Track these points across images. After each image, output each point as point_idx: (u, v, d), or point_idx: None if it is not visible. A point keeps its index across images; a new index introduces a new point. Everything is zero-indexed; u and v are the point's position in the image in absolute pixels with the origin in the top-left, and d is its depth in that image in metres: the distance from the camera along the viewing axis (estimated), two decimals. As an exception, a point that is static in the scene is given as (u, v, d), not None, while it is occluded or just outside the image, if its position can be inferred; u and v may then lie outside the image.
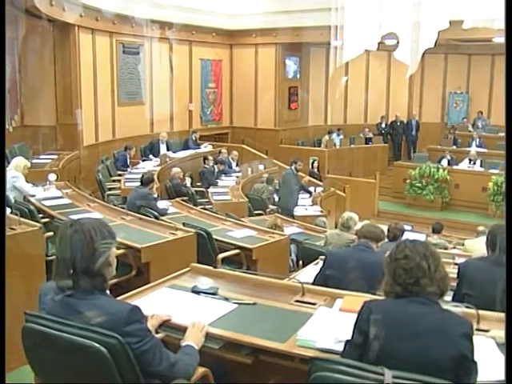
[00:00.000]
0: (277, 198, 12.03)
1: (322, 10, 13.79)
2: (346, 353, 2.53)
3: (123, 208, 7.77)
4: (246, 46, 17.11)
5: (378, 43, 12.81)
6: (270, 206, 11.32)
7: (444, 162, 15.35)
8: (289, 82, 17.41)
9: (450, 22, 11.89)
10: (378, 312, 2.44)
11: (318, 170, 15.43)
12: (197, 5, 15.16)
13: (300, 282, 3.50)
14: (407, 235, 7.02)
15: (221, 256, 6.46)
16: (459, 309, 2.97)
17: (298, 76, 17.79)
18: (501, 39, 14.79)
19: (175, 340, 2.95)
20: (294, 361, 2.83)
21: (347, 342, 2.56)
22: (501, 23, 11.29)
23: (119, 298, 3.31)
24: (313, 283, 4.13)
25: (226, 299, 3.37)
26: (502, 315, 3.33)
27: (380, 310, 2.46)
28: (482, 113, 18.87)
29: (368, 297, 3.02)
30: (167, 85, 15.19)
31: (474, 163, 15.09)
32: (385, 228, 7.06)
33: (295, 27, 15.46)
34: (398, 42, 12.44)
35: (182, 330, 2.95)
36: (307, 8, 14.84)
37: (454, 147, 16.63)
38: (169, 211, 8.26)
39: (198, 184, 12.62)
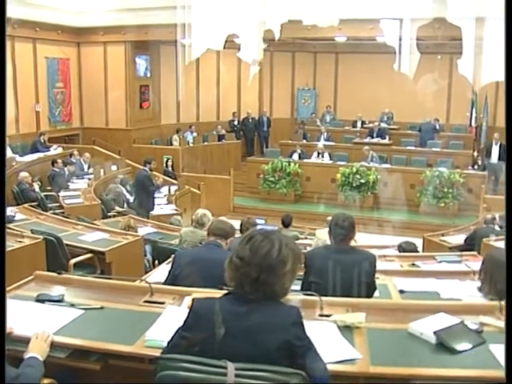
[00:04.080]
0: (131, 199, 11.86)
1: (169, 8, 13.73)
2: (173, 345, 2.50)
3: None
4: (94, 44, 16.64)
5: (227, 41, 12.98)
6: (125, 207, 11.14)
7: (295, 156, 15.87)
8: (139, 81, 17.16)
9: (294, 21, 12.29)
10: (206, 310, 2.41)
11: (173, 169, 15.39)
12: (40, 0, 14.51)
13: (148, 283, 3.48)
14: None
15: (73, 261, 6.29)
16: (298, 297, 3.10)
17: (149, 75, 17.58)
18: (342, 38, 15.59)
19: (19, 353, 2.82)
20: (144, 362, 2.82)
21: (169, 342, 2.53)
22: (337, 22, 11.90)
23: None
24: (164, 283, 4.13)
25: (73, 305, 3.29)
26: (343, 300, 3.54)
27: (208, 309, 2.41)
28: (330, 107, 19.76)
29: (215, 292, 3.05)
30: (10, 85, 14.41)
31: (323, 156, 15.74)
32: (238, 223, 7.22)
33: (143, 25, 15.27)
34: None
35: (26, 341, 2.83)
36: (154, 6, 14.71)
37: (304, 141, 17.28)
38: (15, 218, 7.89)
39: (48, 188, 12.12)
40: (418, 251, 7.45)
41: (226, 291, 2.52)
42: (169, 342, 2.52)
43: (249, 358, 2.27)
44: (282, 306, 2.43)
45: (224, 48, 13.33)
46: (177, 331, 2.50)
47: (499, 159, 14.47)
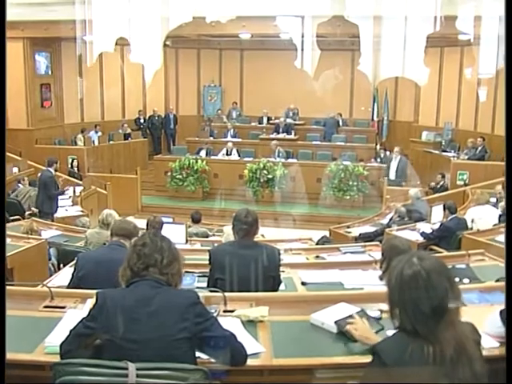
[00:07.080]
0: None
1: (69, 4, 13.31)
2: (68, 342, 2.54)
3: None
4: (-10, 41, 15.93)
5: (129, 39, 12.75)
6: (28, 211, 10.77)
7: (202, 153, 15.82)
8: (40, 79, 16.57)
9: (198, 18, 12.24)
10: (110, 300, 2.52)
11: (78, 169, 15.01)
12: None
13: (48, 287, 3.39)
14: (167, 227, 7.16)
15: (-30, 269, 6.01)
16: (203, 294, 3.11)
17: (50, 72, 17.03)
18: (246, 35, 15.69)
19: None
20: (44, 370, 2.74)
21: (71, 330, 2.57)
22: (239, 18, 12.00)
23: None
24: (68, 287, 4.03)
25: (-34, 316, 3.14)
26: (246, 294, 3.58)
27: (112, 298, 2.53)
28: (236, 103, 19.88)
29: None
30: None
31: (230, 153, 15.79)
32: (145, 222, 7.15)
33: (43, 21, 14.74)
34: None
35: None
36: (53, 1, 14.23)
37: (211, 138, 17.27)
38: None
39: None
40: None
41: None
42: (71, 331, 2.56)
43: (156, 342, 2.40)
44: (182, 290, 2.70)
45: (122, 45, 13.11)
46: (81, 321, 2.56)
47: (396, 176, 13.80)
